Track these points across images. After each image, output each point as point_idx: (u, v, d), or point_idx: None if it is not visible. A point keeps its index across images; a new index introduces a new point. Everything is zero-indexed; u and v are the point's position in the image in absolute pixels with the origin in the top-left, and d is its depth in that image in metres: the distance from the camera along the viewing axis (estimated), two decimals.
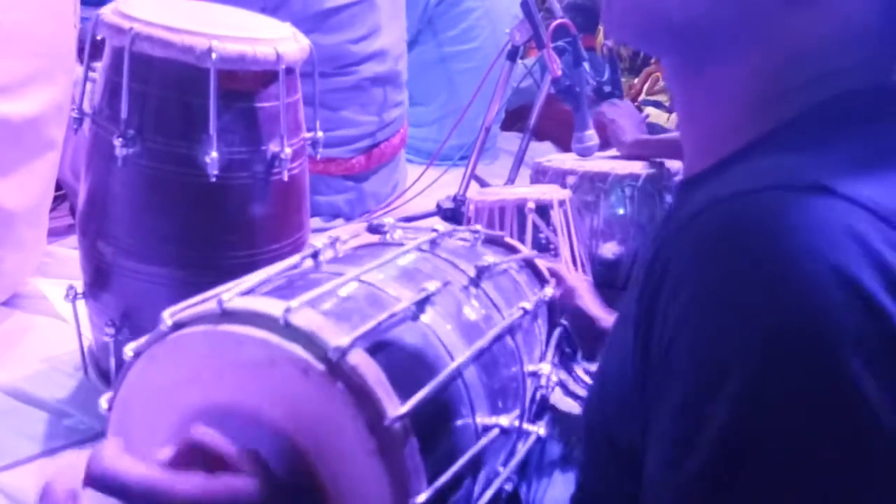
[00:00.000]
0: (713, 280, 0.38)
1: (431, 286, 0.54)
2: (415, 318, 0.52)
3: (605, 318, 0.86)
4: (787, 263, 0.36)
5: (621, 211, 1.56)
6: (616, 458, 0.48)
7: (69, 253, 1.28)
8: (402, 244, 0.66)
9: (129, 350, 0.50)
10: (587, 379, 0.84)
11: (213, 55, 0.87)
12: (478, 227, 0.76)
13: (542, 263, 0.80)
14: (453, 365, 0.51)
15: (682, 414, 0.39)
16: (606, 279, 1.52)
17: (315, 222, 1.74)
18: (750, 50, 0.47)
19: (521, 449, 0.59)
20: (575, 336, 0.79)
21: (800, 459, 0.36)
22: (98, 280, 1.00)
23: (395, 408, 0.44)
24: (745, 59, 0.47)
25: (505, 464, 0.58)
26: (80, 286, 1.03)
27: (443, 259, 0.64)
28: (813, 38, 0.45)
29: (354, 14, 1.79)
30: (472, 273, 0.62)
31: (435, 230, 0.68)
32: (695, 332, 0.38)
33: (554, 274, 0.88)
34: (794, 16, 0.45)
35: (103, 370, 1.04)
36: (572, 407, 0.85)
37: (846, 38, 0.45)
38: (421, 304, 0.53)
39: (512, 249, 0.78)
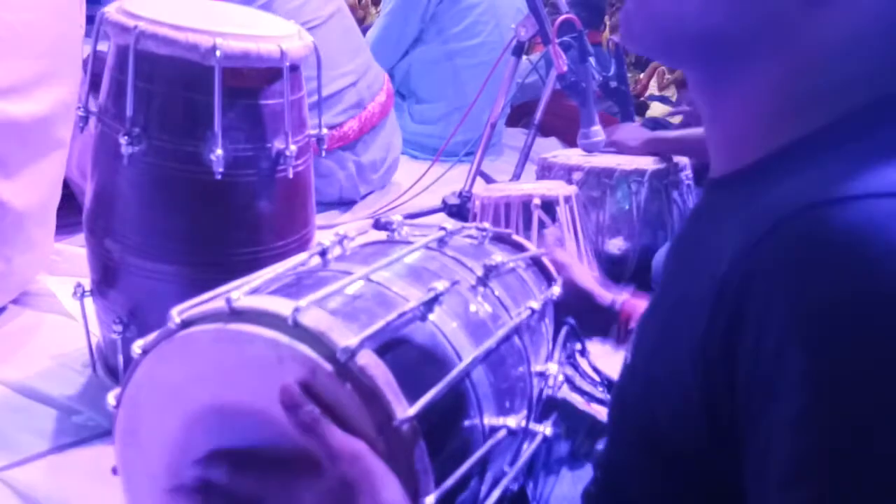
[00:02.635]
0: (825, 293, 0.37)
1: (440, 286, 0.53)
2: (423, 318, 0.52)
3: (601, 292, 0.86)
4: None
5: (627, 206, 1.56)
6: (658, 458, 0.48)
7: (77, 251, 1.28)
8: (409, 242, 0.65)
9: (137, 347, 0.50)
10: (594, 375, 0.84)
11: (218, 53, 0.87)
12: (486, 224, 0.76)
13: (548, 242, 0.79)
14: (461, 366, 0.51)
15: (803, 431, 0.37)
16: (613, 274, 1.52)
17: (320, 219, 1.74)
18: (774, 54, 0.46)
19: (528, 449, 0.59)
20: (571, 313, 0.79)
21: None
22: (105, 277, 1.00)
23: (404, 409, 0.44)
24: (769, 63, 0.46)
25: (511, 463, 0.58)
26: (87, 284, 1.03)
27: (450, 257, 0.64)
28: (839, 38, 0.44)
29: None
30: (480, 272, 0.62)
31: (443, 228, 0.68)
32: (811, 348, 0.37)
33: (548, 253, 0.87)
34: (815, 17, 0.44)
35: (111, 367, 1.04)
36: (578, 402, 0.85)
37: (874, 35, 0.44)
38: (429, 304, 0.53)
39: (519, 247, 0.77)
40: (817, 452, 0.36)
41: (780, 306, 0.38)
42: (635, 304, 0.84)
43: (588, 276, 0.88)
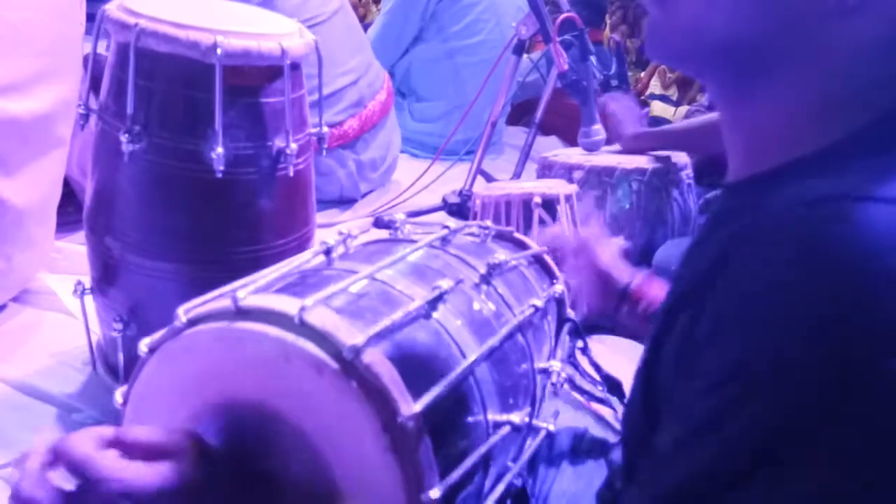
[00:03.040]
0: (784, 271, 0.38)
1: (444, 284, 0.54)
2: (427, 316, 0.52)
3: (619, 272, 0.86)
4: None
5: (628, 205, 1.56)
6: None
7: (77, 249, 1.28)
8: (412, 240, 0.65)
9: (143, 346, 0.50)
10: (594, 374, 0.84)
11: (219, 51, 0.87)
12: (488, 222, 0.76)
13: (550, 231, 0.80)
14: (465, 363, 0.51)
15: (715, 395, 0.39)
16: None
17: (321, 218, 1.74)
18: (799, 64, 0.46)
19: (531, 444, 0.59)
20: (590, 294, 0.79)
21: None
22: (106, 275, 1.00)
23: (409, 406, 0.45)
24: (794, 72, 0.46)
25: (515, 459, 0.58)
26: (87, 282, 1.03)
27: (454, 255, 0.64)
28: (865, 47, 0.44)
29: None
30: (483, 270, 0.62)
31: (446, 227, 0.68)
32: (750, 323, 0.38)
33: (558, 237, 0.88)
34: (841, 27, 0.44)
35: (111, 365, 1.04)
36: (579, 400, 0.86)
37: None
38: (434, 303, 0.53)
39: (522, 245, 0.78)
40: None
41: (739, 279, 0.40)
42: (649, 286, 0.84)
43: (610, 255, 0.88)
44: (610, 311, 0.85)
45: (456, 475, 0.47)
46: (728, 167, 0.53)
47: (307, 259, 0.59)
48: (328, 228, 1.68)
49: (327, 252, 0.59)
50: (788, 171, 0.46)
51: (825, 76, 0.46)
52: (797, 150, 0.46)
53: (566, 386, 0.79)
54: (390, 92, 2.03)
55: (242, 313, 0.47)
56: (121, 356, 0.98)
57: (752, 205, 0.43)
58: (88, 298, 1.03)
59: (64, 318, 1.20)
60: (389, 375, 0.45)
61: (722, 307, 0.40)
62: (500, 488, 0.55)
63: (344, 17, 1.92)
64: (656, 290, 0.83)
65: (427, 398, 0.46)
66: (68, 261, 1.32)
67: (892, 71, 0.45)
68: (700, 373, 0.40)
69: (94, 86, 0.98)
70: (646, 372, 0.51)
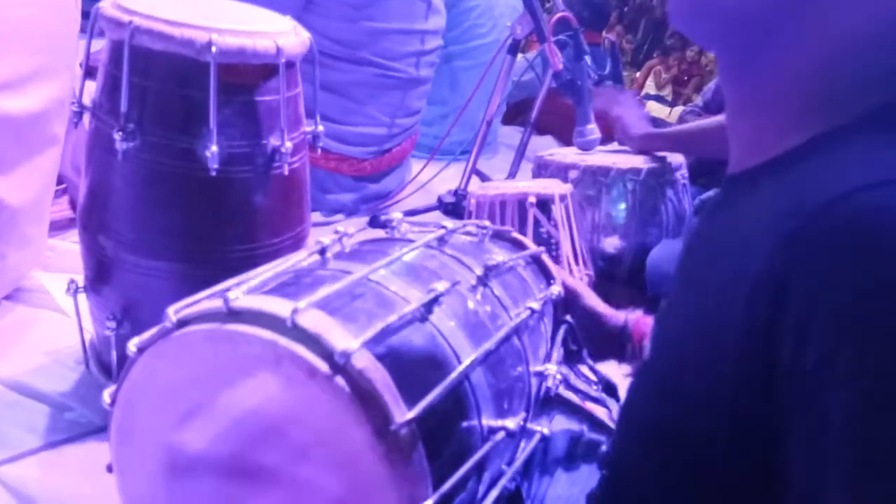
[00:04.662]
0: (873, 282, 0.35)
1: (440, 287, 0.53)
2: (423, 319, 0.52)
3: (613, 314, 0.86)
4: None
5: (623, 205, 1.56)
6: (670, 458, 0.47)
7: (70, 247, 1.27)
8: (408, 240, 0.65)
9: (132, 346, 0.50)
10: (591, 375, 0.84)
11: (213, 48, 0.87)
12: (486, 222, 0.75)
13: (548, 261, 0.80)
14: (460, 368, 0.51)
15: (860, 426, 0.36)
16: (608, 273, 1.52)
17: (315, 216, 1.73)
18: (806, 37, 0.45)
19: (526, 448, 0.59)
20: (584, 337, 0.79)
21: None
22: (99, 274, 0.99)
23: (402, 413, 0.44)
24: (802, 48, 0.45)
25: (509, 463, 0.58)
26: (81, 280, 1.02)
27: (450, 256, 0.63)
28: (876, 23, 0.43)
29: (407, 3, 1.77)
30: (480, 271, 0.61)
31: (443, 226, 0.67)
32: (863, 339, 0.35)
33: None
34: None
35: (105, 364, 1.04)
36: (574, 401, 0.85)
37: None
38: (429, 306, 0.52)
39: (519, 245, 0.77)
40: (880, 446, 0.35)
41: (826, 299, 0.36)
42: (647, 322, 0.83)
43: (597, 300, 0.87)
44: (615, 353, 0.85)
45: (450, 483, 0.46)
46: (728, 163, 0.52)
47: (302, 258, 0.58)
48: (323, 227, 1.68)
49: (322, 251, 0.58)
50: (799, 156, 0.44)
51: (832, 56, 0.44)
52: (804, 134, 0.45)
53: (561, 387, 0.79)
54: (414, 141, 2.04)
55: (234, 314, 0.47)
56: (114, 355, 0.98)
57: (774, 197, 0.41)
58: (82, 297, 1.02)
59: (57, 316, 1.20)
60: (382, 381, 0.44)
61: (834, 341, 0.36)
62: (494, 493, 0.54)
63: None
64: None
65: (421, 404, 0.45)
66: (61, 259, 1.31)
67: None
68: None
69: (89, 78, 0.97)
70: (653, 376, 0.50)
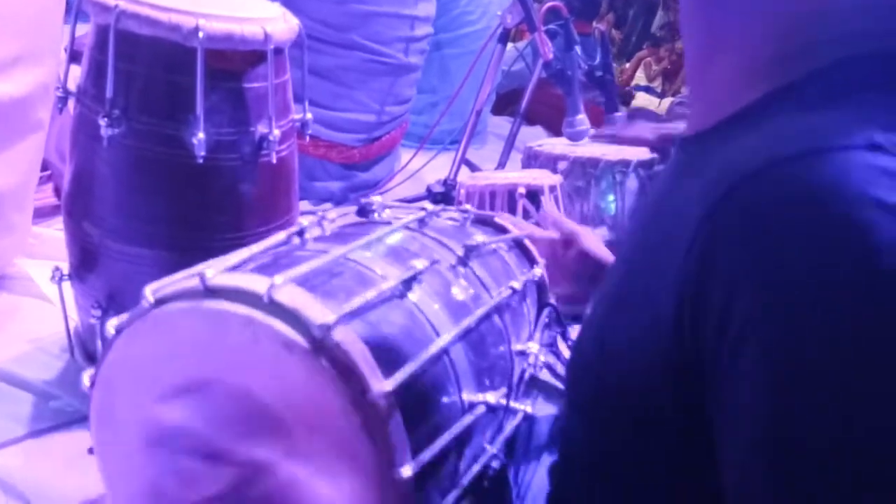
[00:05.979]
0: (795, 256, 0.35)
1: (419, 264, 0.53)
2: (402, 296, 0.52)
3: (611, 255, 0.86)
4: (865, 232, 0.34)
5: (612, 197, 1.56)
6: (613, 422, 0.47)
7: (55, 234, 1.27)
8: (389, 223, 0.65)
9: (111, 327, 0.50)
10: None
11: (200, 34, 0.86)
12: (468, 206, 0.76)
13: (547, 212, 0.80)
14: (439, 342, 0.51)
15: (764, 405, 0.37)
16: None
17: (304, 205, 1.73)
18: None
19: (509, 426, 0.59)
20: (584, 278, 0.79)
21: None
22: (84, 261, 0.99)
23: (380, 384, 0.44)
24: (767, 4, 0.45)
25: (492, 441, 0.58)
26: (65, 267, 1.02)
27: (431, 238, 0.64)
28: None
29: None
30: (461, 252, 0.62)
31: (423, 209, 0.68)
32: (777, 315, 0.36)
33: (554, 223, 0.88)
34: None
35: (90, 352, 1.03)
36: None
37: None
38: (408, 283, 0.53)
39: (502, 229, 0.77)
40: (777, 430, 0.36)
41: (747, 271, 0.37)
42: None
43: (597, 243, 0.88)
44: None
45: (429, 453, 0.47)
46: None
47: (281, 240, 0.58)
48: (311, 216, 1.67)
49: (300, 233, 0.58)
50: (738, 120, 0.45)
51: (794, 17, 0.44)
52: (748, 97, 0.45)
53: (545, 372, 0.79)
54: (403, 129, 2.04)
55: (211, 292, 0.47)
56: (99, 343, 0.97)
57: (720, 160, 0.41)
58: (66, 285, 1.02)
59: (41, 304, 1.19)
60: (360, 353, 0.45)
61: (749, 301, 0.37)
62: (476, 468, 0.54)
63: None
64: None
65: (399, 376, 0.45)
66: (46, 246, 1.30)
67: (862, 26, 0.43)
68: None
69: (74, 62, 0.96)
70: (594, 333, 0.50)
